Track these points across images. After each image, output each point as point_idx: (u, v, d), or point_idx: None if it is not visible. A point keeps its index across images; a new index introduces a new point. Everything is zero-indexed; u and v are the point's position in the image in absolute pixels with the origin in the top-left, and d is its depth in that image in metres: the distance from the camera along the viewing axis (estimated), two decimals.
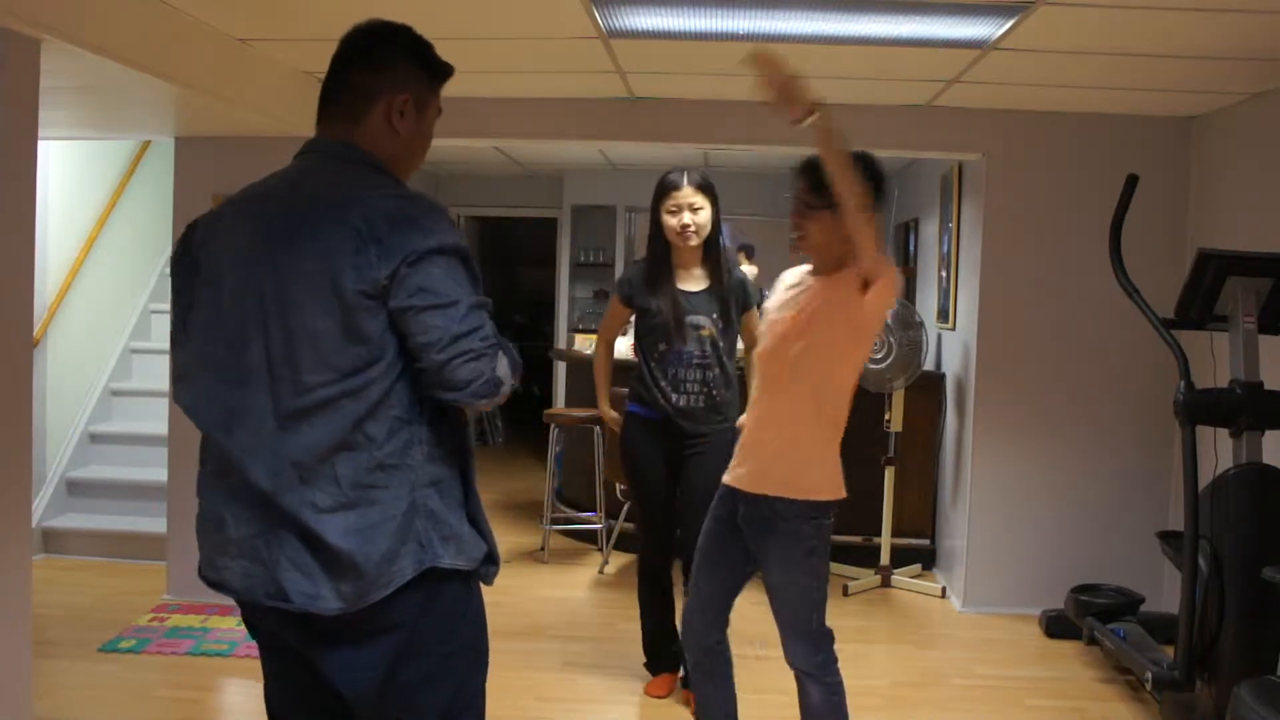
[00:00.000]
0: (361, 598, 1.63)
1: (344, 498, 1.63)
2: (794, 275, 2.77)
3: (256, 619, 1.80)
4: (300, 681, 1.80)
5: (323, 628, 1.67)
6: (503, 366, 1.69)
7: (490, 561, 1.81)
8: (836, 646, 2.70)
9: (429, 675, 1.74)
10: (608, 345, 3.86)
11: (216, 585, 1.73)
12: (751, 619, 4.24)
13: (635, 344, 3.69)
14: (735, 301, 3.60)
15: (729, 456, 2.80)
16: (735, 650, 3.62)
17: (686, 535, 3.57)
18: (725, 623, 2.88)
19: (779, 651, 2.72)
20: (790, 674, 2.72)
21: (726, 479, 2.77)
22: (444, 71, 1.86)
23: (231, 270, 1.71)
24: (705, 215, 3.51)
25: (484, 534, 1.80)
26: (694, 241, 3.52)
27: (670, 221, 3.51)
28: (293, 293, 1.64)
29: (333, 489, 1.62)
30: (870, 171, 2.52)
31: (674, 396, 3.52)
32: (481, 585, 1.84)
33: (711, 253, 3.58)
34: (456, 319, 1.63)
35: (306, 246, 1.64)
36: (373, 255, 1.61)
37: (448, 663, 1.76)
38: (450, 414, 1.76)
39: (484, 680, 1.86)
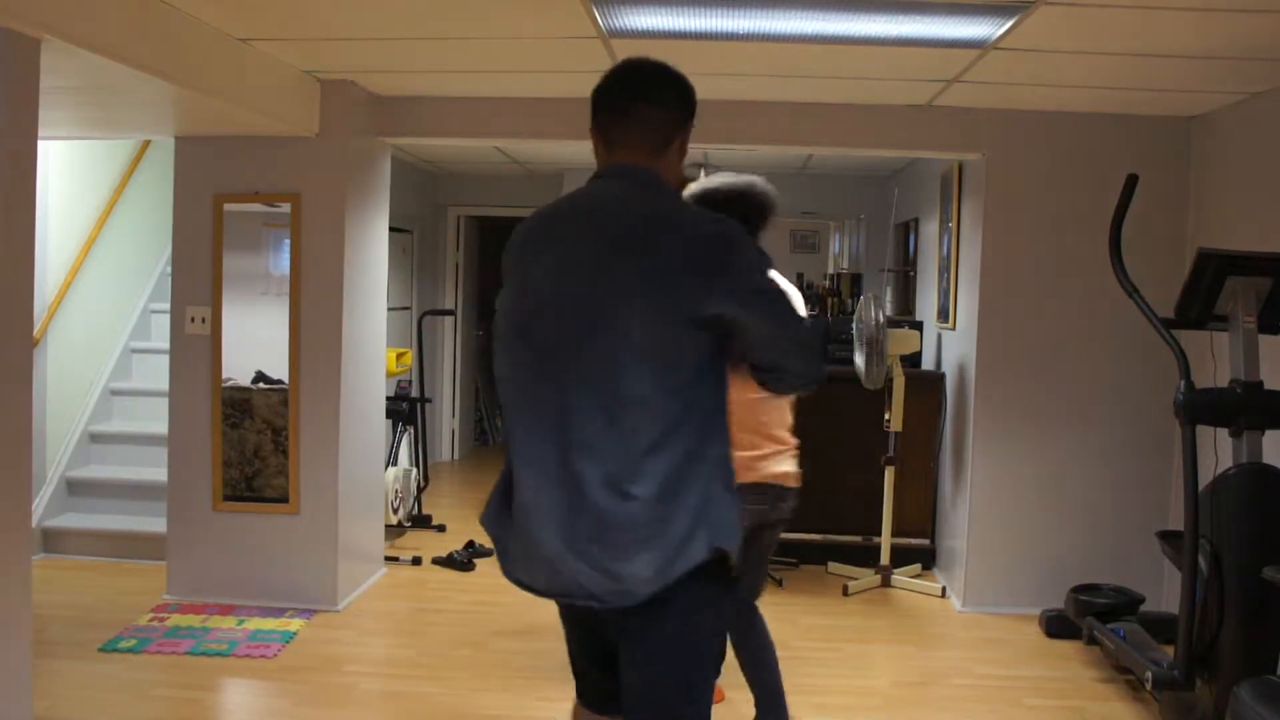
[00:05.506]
0: (659, 579, 1.76)
1: (654, 489, 1.75)
2: None
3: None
4: (599, 641, 1.97)
5: (623, 609, 1.81)
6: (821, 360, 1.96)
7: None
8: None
9: (678, 658, 1.85)
10: None
11: (526, 587, 1.89)
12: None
13: None
14: None
15: None
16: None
17: None
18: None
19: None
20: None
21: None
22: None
23: (554, 280, 1.86)
24: None
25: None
26: None
27: None
28: (621, 306, 1.78)
29: (646, 482, 1.75)
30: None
31: None
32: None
33: None
34: (793, 330, 1.89)
35: (640, 264, 1.80)
36: (701, 279, 1.77)
37: (690, 644, 1.86)
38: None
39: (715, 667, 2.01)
